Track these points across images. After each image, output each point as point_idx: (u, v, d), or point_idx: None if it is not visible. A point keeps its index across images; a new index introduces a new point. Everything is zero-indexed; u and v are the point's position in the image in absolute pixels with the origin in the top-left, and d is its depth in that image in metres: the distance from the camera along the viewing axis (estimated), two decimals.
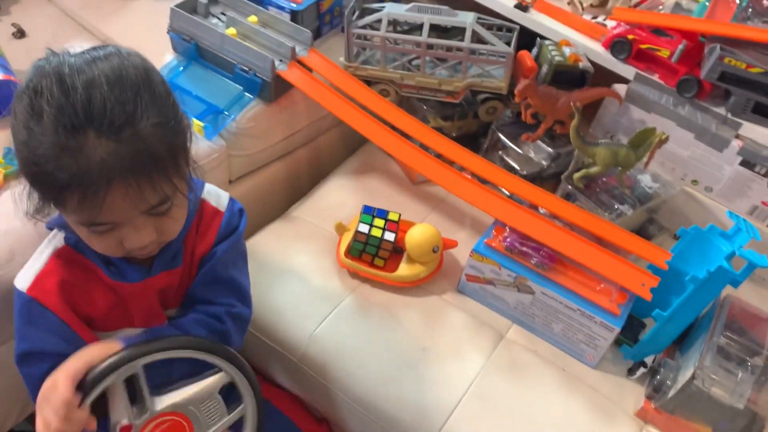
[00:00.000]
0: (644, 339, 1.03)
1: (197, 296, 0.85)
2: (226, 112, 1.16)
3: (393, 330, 1.06)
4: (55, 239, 0.78)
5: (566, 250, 1.03)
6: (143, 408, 0.74)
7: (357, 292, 1.10)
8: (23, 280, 0.76)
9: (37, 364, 0.75)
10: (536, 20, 1.32)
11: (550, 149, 1.24)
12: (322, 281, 1.11)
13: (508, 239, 1.05)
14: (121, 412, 0.72)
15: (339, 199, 1.26)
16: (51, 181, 0.64)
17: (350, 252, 1.10)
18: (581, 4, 1.35)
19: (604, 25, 1.31)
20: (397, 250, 1.13)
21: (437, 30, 1.22)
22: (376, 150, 1.40)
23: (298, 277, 1.11)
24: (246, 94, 1.19)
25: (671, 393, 0.97)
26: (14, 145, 0.66)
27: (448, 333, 1.07)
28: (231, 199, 0.89)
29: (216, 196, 0.88)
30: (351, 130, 1.48)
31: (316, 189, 1.30)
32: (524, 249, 1.04)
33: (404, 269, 1.09)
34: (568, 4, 1.38)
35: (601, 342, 1.01)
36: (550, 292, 1.02)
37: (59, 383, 0.68)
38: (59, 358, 0.73)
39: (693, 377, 0.93)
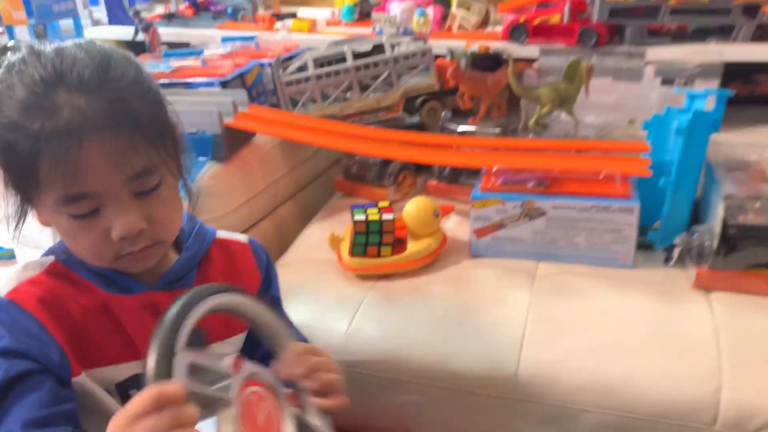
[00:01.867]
0: (664, 215, 1.02)
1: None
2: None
3: (427, 302, 0.99)
4: (47, 260, 0.70)
5: (558, 165, 1.05)
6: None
7: (375, 289, 1.03)
8: (2, 288, 0.67)
9: (6, 363, 0.62)
10: (438, 43, 1.45)
11: (497, 128, 1.30)
12: (335, 293, 1.03)
13: (501, 177, 1.06)
14: None
15: (324, 235, 1.20)
16: (22, 143, 0.59)
17: (353, 252, 1.05)
18: (469, 23, 1.52)
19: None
20: (399, 241, 1.09)
21: (359, 57, 1.31)
22: (340, 201, 1.41)
23: (308, 301, 1.03)
24: (199, 158, 1.19)
25: (715, 245, 0.95)
26: None
27: (481, 288, 1.01)
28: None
29: (230, 234, 0.84)
30: (308, 200, 1.51)
31: (297, 238, 1.26)
32: (519, 178, 1.04)
33: (413, 246, 1.05)
34: (458, 28, 1.54)
35: (627, 231, 1.00)
36: (560, 202, 1.01)
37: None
38: (33, 361, 0.62)
39: (726, 213, 0.93)
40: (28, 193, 0.64)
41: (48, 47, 0.62)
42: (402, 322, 0.95)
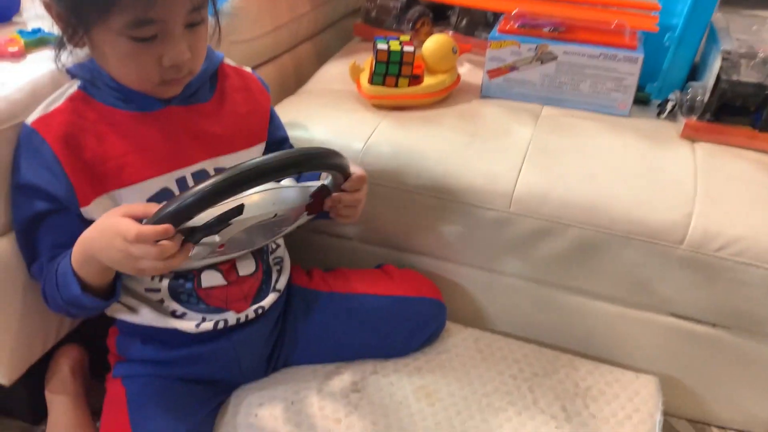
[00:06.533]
0: (664, 69, 1.10)
1: None
2: None
3: (437, 129, 1.07)
4: (71, 87, 0.77)
5: (574, 14, 1.11)
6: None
7: (390, 117, 1.11)
8: (32, 117, 0.75)
9: (28, 202, 0.74)
10: None
11: None
12: (353, 116, 1.11)
13: (519, 21, 1.12)
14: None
15: (342, 70, 1.27)
16: None
17: (373, 81, 1.13)
18: None
19: None
20: (415, 77, 1.16)
21: None
22: (358, 45, 1.46)
23: (326, 122, 1.11)
24: None
25: (706, 99, 1.03)
26: None
27: (489, 122, 1.10)
28: None
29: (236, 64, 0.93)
30: (327, 43, 1.56)
31: (316, 72, 1.33)
32: (536, 23, 1.11)
33: (429, 80, 1.13)
34: None
35: (628, 80, 1.08)
36: (571, 48, 1.08)
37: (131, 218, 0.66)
38: (52, 201, 0.73)
39: (721, 68, 1.01)
40: (93, 18, 0.68)
41: None
42: (413, 142, 1.04)
